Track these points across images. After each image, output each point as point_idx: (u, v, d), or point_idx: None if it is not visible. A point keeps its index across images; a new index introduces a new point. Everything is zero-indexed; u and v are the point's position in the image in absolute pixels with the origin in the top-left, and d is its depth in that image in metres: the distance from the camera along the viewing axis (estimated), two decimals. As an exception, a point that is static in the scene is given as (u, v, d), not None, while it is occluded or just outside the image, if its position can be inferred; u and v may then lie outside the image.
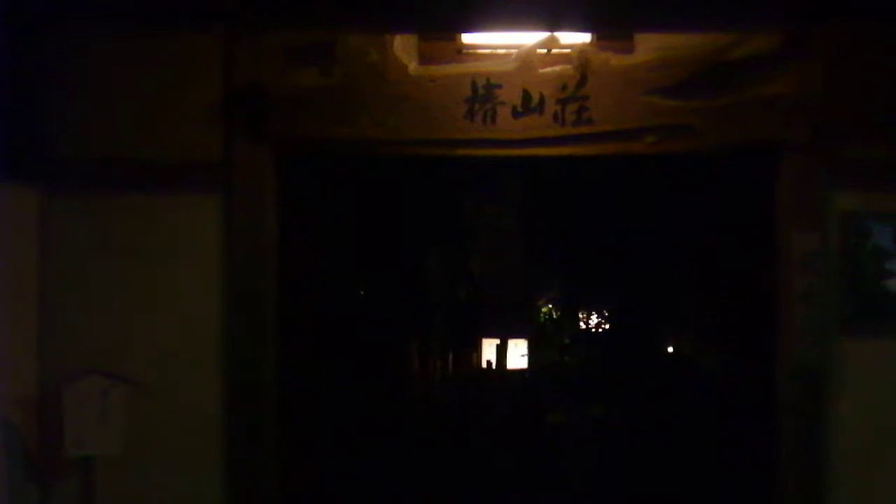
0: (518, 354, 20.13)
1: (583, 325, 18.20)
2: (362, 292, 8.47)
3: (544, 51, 6.00)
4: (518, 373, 19.14)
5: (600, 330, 17.39)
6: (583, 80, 5.96)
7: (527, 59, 5.98)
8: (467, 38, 6.09)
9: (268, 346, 6.04)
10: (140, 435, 5.76)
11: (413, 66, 6.01)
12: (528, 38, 6.01)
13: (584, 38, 6.00)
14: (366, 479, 8.16)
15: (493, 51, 6.07)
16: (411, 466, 9.97)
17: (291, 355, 6.28)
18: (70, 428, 5.56)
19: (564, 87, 5.97)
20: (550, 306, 19.82)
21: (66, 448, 5.57)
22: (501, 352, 19.78)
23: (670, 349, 12.66)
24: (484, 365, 19.37)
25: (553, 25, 5.88)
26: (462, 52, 6.08)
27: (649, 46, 5.96)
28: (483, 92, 5.98)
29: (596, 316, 17.79)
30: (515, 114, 5.99)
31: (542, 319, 19.84)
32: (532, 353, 20.01)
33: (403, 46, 6.01)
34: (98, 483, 5.70)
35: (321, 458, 7.10)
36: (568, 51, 5.99)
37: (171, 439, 5.89)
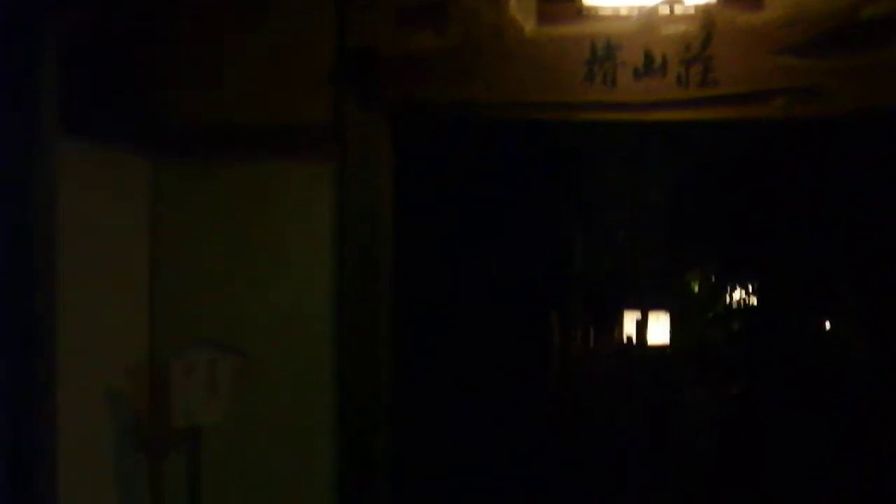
0: (659, 329, 19.86)
1: (727, 301, 17.78)
2: (489, 265, 8.31)
3: (667, 10, 5.84)
4: (659, 348, 18.89)
5: (744, 306, 16.99)
6: (707, 40, 5.77)
7: (649, 19, 5.82)
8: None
9: (382, 320, 6.02)
10: (250, 407, 5.82)
11: (530, 27, 5.89)
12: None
13: (708, -4, 5.82)
14: (494, 460, 8.06)
15: (615, 11, 5.91)
16: (546, 442, 9.85)
17: (411, 331, 6.33)
18: (178, 398, 5.60)
19: (688, 48, 5.79)
20: (695, 280, 19.42)
21: (175, 418, 5.61)
22: (642, 326, 19.53)
23: (817, 330, 12.31)
24: (624, 339, 19.16)
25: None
26: (582, 13, 5.92)
27: (778, 3, 5.75)
28: (603, 53, 5.84)
29: (740, 291, 17.38)
30: (637, 76, 5.84)
31: (686, 293, 19.46)
32: (674, 328, 19.72)
33: (520, 6, 5.90)
34: (207, 454, 5.74)
35: (443, 435, 7.02)
36: (692, 10, 5.82)
37: (281, 412, 5.94)
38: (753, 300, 16.42)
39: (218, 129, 6.01)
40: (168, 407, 5.61)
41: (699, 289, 19.01)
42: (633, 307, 19.65)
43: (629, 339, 19.04)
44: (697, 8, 5.79)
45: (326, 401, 5.91)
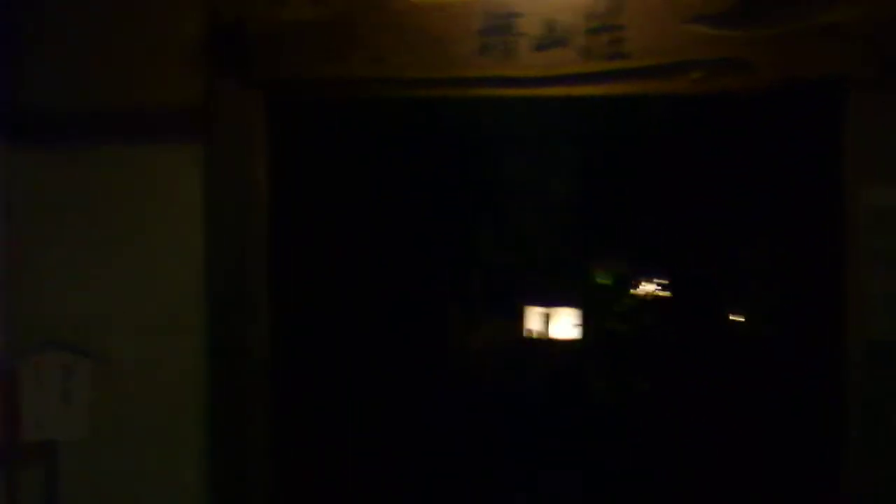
0: (564, 324, 19.53)
1: (634, 292, 17.46)
2: (379, 255, 7.80)
3: None
4: (564, 344, 18.56)
5: (654, 299, 16.69)
6: (616, 7, 5.29)
7: None
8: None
9: (258, 314, 5.60)
10: (111, 416, 5.37)
11: None
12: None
13: (616, -44, 5.38)
14: (383, 463, 7.63)
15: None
16: (445, 442, 9.47)
17: (291, 330, 5.91)
18: (29, 409, 5.20)
19: (594, 15, 5.31)
20: (599, 271, 19.07)
21: (26, 431, 5.20)
22: (546, 322, 19.18)
23: (728, 319, 12.00)
24: (526, 335, 18.79)
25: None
26: None
27: None
28: (499, 22, 5.34)
29: (648, 281, 17.07)
30: (537, 47, 5.34)
31: (592, 286, 19.12)
32: (580, 323, 19.38)
33: None
34: (66, 468, 5.35)
35: (325, 436, 6.55)
36: None
37: (145, 420, 5.42)
38: (664, 292, 16.14)
39: (77, 110, 5.47)
40: (18, 418, 5.18)
41: (606, 281, 18.69)
42: (536, 301, 19.30)
43: (533, 334, 18.70)
44: (605, -29, 5.33)
45: (198, 410, 5.42)
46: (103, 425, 5.29)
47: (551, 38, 5.32)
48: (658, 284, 16.52)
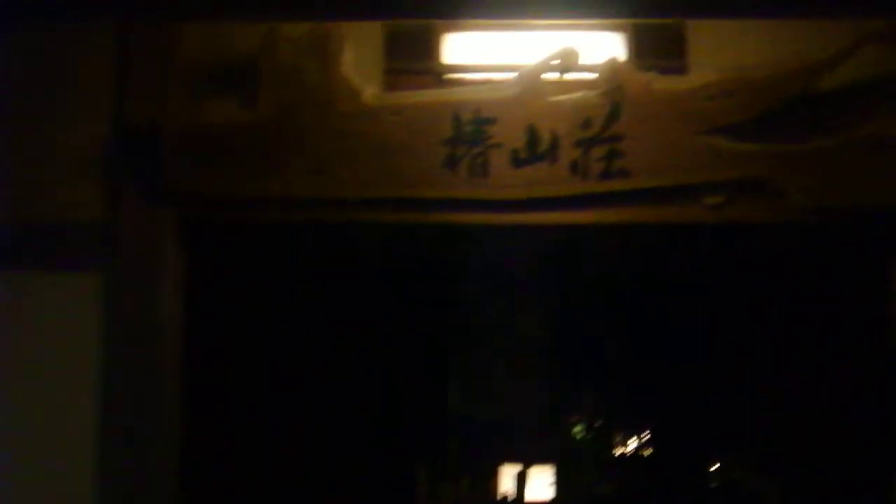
0: (542, 483, 18.69)
1: (620, 448, 16.67)
2: (324, 408, 6.87)
3: (556, 72, 4.54)
4: (542, 506, 17.73)
5: (641, 453, 15.89)
6: (614, 113, 4.47)
7: (532, 83, 4.51)
8: (450, 58, 4.88)
9: (163, 488, 4.74)
10: None
11: (370, 93, 4.60)
12: (532, 56, 4.59)
13: (614, 52, 4.64)
14: None
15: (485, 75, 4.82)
16: None
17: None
18: None
19: (587, 124, 4.48)
20: (581, 425, 18.31)
21: None
22: (521, 481, 18.33)
23: (725, 477, 11.20)
24: (499, 497, 17.96)
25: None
26: (441, 76, 4.85)
27: (709, 64, 4.60)
28: (470, 129, 4.50)
29: (636, 436, 16.27)
30: (516, 162, 4.51)
31: (571, 441, 18.34)
32: (559, 482, 18.56)
33: (358, 65, 4.66)
34: None
35: None
36: (592, 71, 4.55)
37: None
38: (649, 447, 15.37)
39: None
40: None
41: (586, 435, 17.93)
42: (509, 458, 18.51)
43: (507, 496, 17.87)
44: (599, 69, 4.51)
45: None
46: None
47: (534, 151, 4.47)
48: (644, 438, 15.81)
